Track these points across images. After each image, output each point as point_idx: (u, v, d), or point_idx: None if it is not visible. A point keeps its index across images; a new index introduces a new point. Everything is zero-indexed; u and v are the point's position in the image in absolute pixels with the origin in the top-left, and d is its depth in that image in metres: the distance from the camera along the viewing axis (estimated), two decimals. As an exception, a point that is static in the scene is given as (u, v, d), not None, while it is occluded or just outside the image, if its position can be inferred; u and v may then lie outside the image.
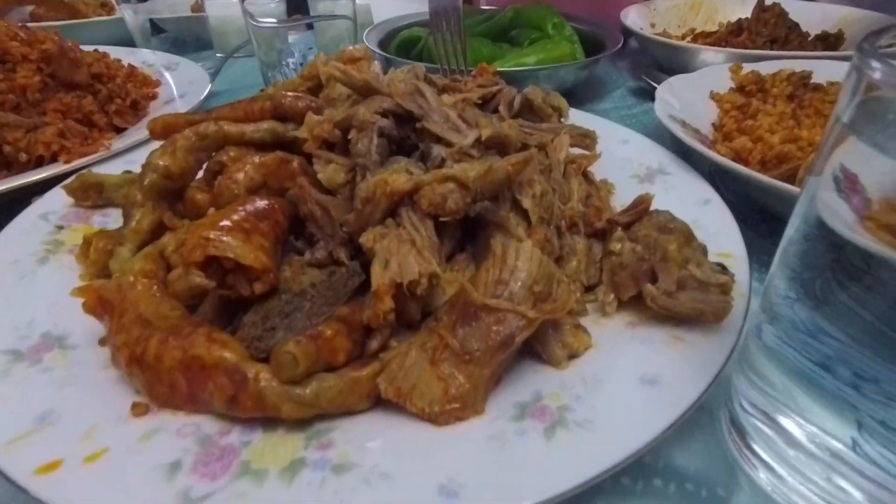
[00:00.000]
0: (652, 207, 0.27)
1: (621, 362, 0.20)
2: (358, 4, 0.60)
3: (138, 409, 0.18)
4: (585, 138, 0.35)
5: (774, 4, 0.63)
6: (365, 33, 0.55)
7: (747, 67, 0.48)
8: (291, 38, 0.51)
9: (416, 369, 0.18)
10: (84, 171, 0.30)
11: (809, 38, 0.61)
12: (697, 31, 0.70)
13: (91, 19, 0.62)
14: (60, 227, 0.28)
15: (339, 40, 0.50)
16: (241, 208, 0.22)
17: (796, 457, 0.17)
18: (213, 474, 0.16)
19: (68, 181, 0.30)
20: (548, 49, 0.51)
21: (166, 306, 0.20)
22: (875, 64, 0.13)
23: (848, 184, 0.14)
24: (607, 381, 0.19)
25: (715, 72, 0.49)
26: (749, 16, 0.64)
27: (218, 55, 0.62)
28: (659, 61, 0.60)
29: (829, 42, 0.61)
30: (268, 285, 0.21)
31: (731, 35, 0.62)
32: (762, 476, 0.19)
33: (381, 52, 0.51)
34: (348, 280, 0.21)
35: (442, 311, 0.20)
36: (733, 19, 0.67)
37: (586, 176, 0.31)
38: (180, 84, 0.49)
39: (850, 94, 0.14)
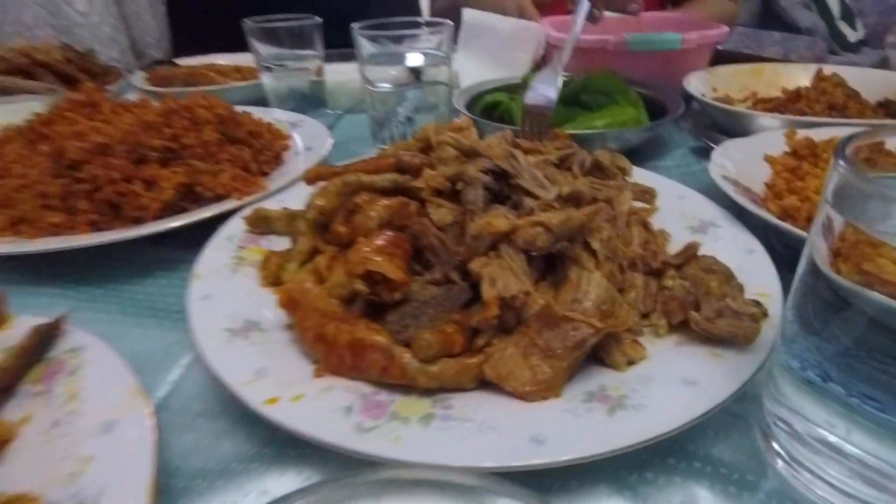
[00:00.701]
0: (701, 253, 0.33)
1: (669, 368, 0.26)
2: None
3: (318, 373, 0.26)
4: (646, 194, 0.42)
5: (833, 74, 0.67)
6: (455, 97, 0.65)
7: (803, 133, 0.53)
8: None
9: (511, 360, 0.25)
10: (257, 206, 0.40)
11: (869, 106, 0.65)
12: (759, 95, 0.75)
13: (234, 84, 0.77)
14: (241, 247, 0.38)
15: (437, 102, 0.60)
16: (383, 238, 0.31)
17: (802, 450, 0.22)
18: (374, 416, 0.24)
19: (246, 213, 0.40)
20: (615, 114, 0.59)
21: (333, 304, 0.29)
22: (843, 165, 0.19)
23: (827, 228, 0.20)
24: (657, 380, 0.25)
25: (770, 136, 0.54)
26: (809, 83, 0.69)
27: (330, 112, 0.75)
28: (719, 123, 0.66)
29: (890, 109, 0.64)
30: (403, 294, 0.29)
31: (790, 101, 0.67)
32: (780, 465, 0.24)
33: (470, 115, 0.60)
34: (460, 294, 0.29)
35: (531, 319, 0.27)
36: (795, 85, 0.72)
37: (646, 225, 0.37)
38: (306, 138, 0.60)
39: (831, 181, 0.20)
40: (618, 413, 0.23)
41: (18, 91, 0.66)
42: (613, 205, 0.37)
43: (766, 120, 0.59)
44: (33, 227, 0.40)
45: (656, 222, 0.40)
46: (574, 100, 0.65)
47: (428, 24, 0.57)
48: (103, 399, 0.25)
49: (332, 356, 0.26)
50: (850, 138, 0.20)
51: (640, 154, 0.60)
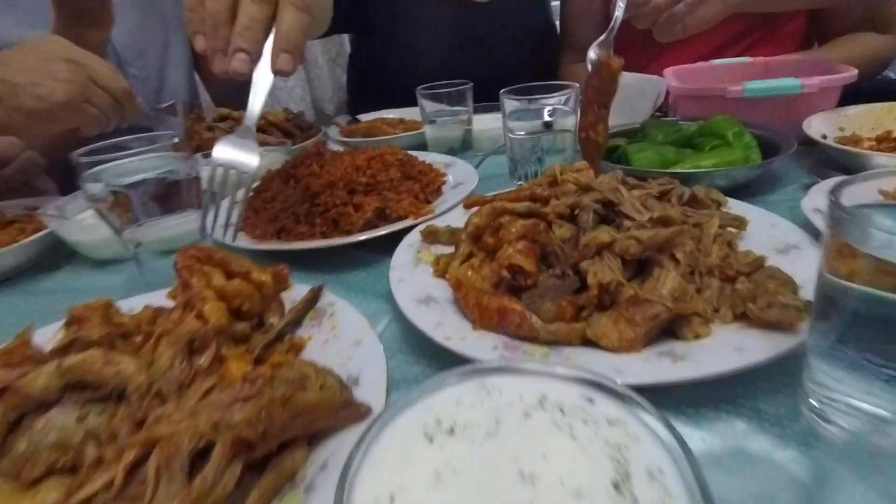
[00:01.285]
0: (781, 271, 0.41)
1: (725, 342, 0.36)
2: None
3: (475, 327, 0.41)
4: (737, 221, 0.50)
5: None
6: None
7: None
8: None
9: (606, 325, 0.37)
10: (428, 224, 0.58)
11: None
12: (894, 133, 0.76)
13: (403, 135, 0.99)
14: (418, 252, 0.55)
15: (564, 146, 0.73)
16: (521, 244, 0.45)
17: (828, 407, 0.31)
18: (510, 351, 0.37)
19: (421, 228, 0.57)
20: (723, 154, 0.66)
21: (486, 286, 0.43)
22: (837, 211, 0.28)
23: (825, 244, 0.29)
24: (714, 348, 0.35)
25: (885, 174, 0.58)
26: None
27: (476, 154, 0.92)
28: (839, 161, 0.69)
29: None
30: (533, 281, 0.42)
31: (917, 140, 0.68)
32: (808, 414, 0.32)
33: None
34: (572, 284, 0.42)
35: (621, 301, 0.38)
36: (933, 122, 0.72)
37: (730, 244, 0.46)
38: (457, 175, 0.77)
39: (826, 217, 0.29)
40: (678, 363, 0.34)
41: (263, 143, 0.95)
42: (702, 228, 0.47)
43: (883, 158, 0.62)
44: (289, 234, 0.62)
45: (745, 244, 0.48)
46: (688, 143, 0.74)
47: (559, 87, 0.72)
48: (350, 329, 0.42)
49: (484, 317, 0.41)
50: (844, 182, 0.29)
51: (749, 189, 0.67)
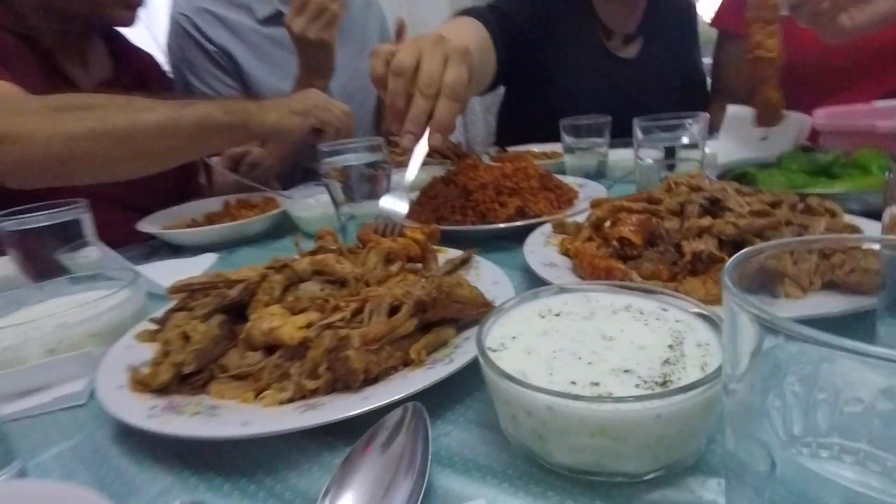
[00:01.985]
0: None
1: (812, 299, 0.42)
2: (707, 153, 0.91)
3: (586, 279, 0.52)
4: (849, 228, 0.54)
5: None
6: (708, 170, 0.84)
7: None
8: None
9: (695, 284, 0.46)
10: (560, 218, 0.70)
11: None
12: None
13: (547, 162, 1.14)
14: (548, 237, 0.67)
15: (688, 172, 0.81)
16: (632, 223, 0.55)
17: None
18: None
19: (552, 220, 0.70)
20: (857, 180, 0.69)
21: (600, 252, 0.54)
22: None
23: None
24: (803, 301, 0.42)
25: None
26: None
27: (608, 180, 1.03)
28: None
29: None
30: (638, 254, 0.52)
31: None
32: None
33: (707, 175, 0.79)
34: (671, 256, 0.51)
35: (711, 269, 0.47)
36: None
37: (834, 243, 0.51)
38: (588, 194, 0.89)
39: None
40: (754, 311, 0.42)
41: (427, 162, 1.17)
42: (809, 228, 0.52)
43: None
44: (446, 222, 0.79)
45: (854, 249, 0.52)
46: (823, 172, 0.76)
47: (689, 117, 0.80)
48: (489, 275, 0.56)
49: (594, 273, 0.52)
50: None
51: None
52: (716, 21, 1.49)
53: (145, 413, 0.38)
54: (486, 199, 0.79)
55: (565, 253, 0.61)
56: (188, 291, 0.50)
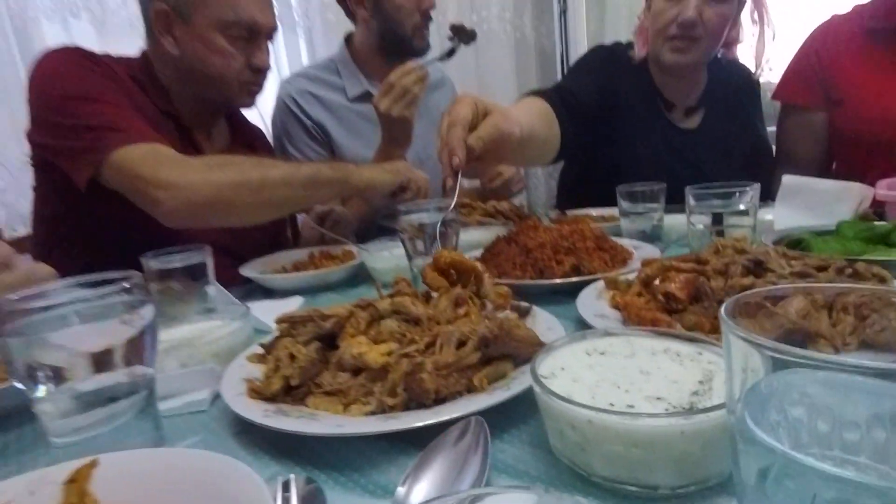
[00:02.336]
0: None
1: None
2: (765, 220, 0.94)
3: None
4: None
5: None
6: (763, 236, 0.87)
7: None
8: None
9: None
10: (613, 275, 0.76)
11: None
12: None
13: (604, 225, 1.20)
14: (600, 293, 0.73)
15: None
16: (679, 281, 0.60)
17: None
18: (657, 343, 0.53)
19: (605, 277, 0.76)
20: (915, 249, 0.70)
21: (646, 308, 0.60)
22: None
23: None
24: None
25: None
26: None
27: (662, 243, 1.07)
28: None
29: None
30: (683, 307, 0.57)
31: None
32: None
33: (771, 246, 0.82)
34: (715, 310, 0.56)
35: (752, 322, 0.51)
36: None
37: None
38: (644, 255, 0.94)
39: None
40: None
41: (492, 223, 1.27)
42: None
43: None
44: (507, 277, 0.87)
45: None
46: (881, 241, 0.78)
47: (741, 186, 0.85)
48: (544, 322, 0.63)
49: (641, 323, 0.57)
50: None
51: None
52: (777, 94, 1.54)
53: (261, 414, 0.47)
54: (544, 256, 0.86)
55: (615, 306, 0.67)
56: (291, 322, 0.61)
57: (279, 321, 0.61)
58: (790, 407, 0.28)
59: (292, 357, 0.53)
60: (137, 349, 0.43)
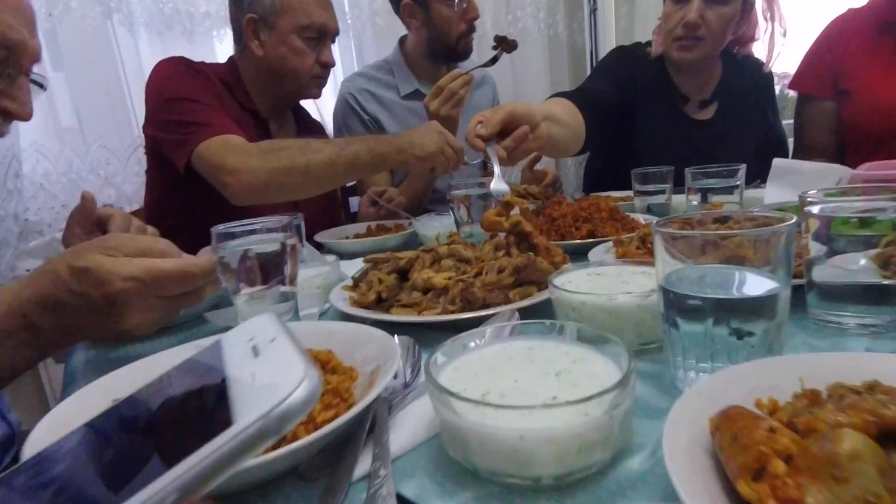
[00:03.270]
0: None
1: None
2: (757, 197, 1.11)
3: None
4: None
5: None
6: (754, 210, 1.05)
7: None
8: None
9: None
10: (620, 238, 0.96)
11: None
12: None
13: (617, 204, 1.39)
14: (608, 249, 0.93)
15: (732, 209, 1.02)
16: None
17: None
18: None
19: (613, 239, 0.96)
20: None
21: (640, 252, 0.80)
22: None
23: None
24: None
25: None
26: None
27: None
28: None
29: None
30: (666, 253, 0.77)
31: None
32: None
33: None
34: (689, 255, 0.75)
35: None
36: None
37: None
38: (651, 225, 1.12)
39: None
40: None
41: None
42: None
43: None
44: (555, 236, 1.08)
45: None
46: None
47: (729, 167, 1.03)
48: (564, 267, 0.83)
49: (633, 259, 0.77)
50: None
51: None
52: (794, 84, 1.67)
53: (364, 313, 0.70)
54: (565, 224, 1.07)
55: (618, 257, 0.86)
56: (374, 262, 0.83)
57: (367, 260, 0.84)
58: (685, 279, 0.47)
59: (380, 281, 0.75)
60: (289, 265, 0.67)
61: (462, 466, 0.38)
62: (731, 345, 0.44)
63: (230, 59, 1.47)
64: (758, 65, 1.67)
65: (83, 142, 1.77)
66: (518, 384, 0.40)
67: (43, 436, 0.43)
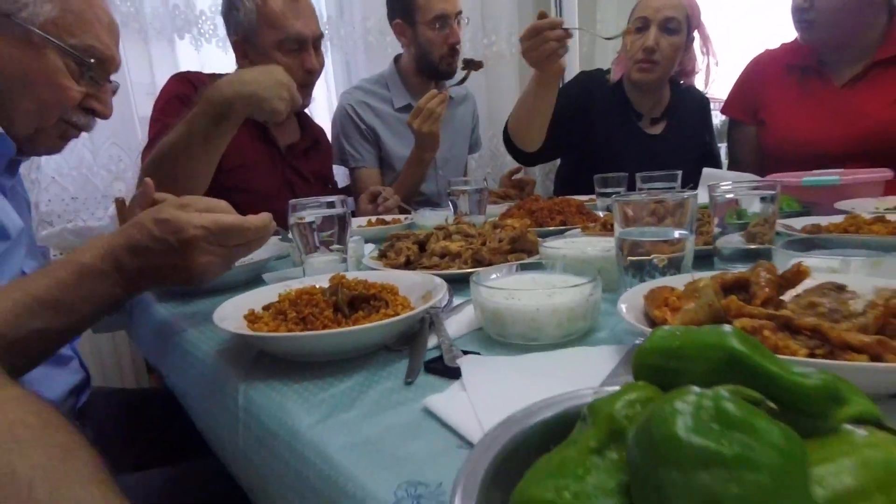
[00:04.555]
0: None
1: None
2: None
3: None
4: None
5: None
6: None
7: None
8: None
9: (644, 241, 0.96)
10: (586, 225, 1.21)
11: None
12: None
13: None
14: (575, 237, 1.18)
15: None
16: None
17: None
18: (604, 246, 0.98)
19: (581, 226, 1.21)
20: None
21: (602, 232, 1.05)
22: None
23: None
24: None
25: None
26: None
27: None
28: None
29: None
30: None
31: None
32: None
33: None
34: (638, 232, 1.01)
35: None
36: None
37: None
38: (609, 218, 1.39)
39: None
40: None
41: (502, 203, 1.72)
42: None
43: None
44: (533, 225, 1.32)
45: None
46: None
47: (671, 174, 1.31)
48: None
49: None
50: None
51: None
52: (724, 110, 2.01)
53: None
54: (542, 215, 1.31)
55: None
56: (396, 237, 1.05)
57: (389, 237, 1.06)
58: (633, 233, 0.72)
59: (407, 248, 0.97)
60: (347, 230, 0.88)
61: (496, 341, 0.61)
62: (658, 269, 0.69)
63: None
64: (698, 93, 2.01)
65: (91, 141, 1.90)
66: (532, 286, 0.63)
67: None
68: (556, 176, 2.27)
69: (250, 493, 0.54)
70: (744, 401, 0.20)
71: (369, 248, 1.14)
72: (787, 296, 0.53)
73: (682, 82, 2.00)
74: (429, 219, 1.45)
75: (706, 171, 1.43)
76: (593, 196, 1.69)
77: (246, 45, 1.51)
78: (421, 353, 0.58)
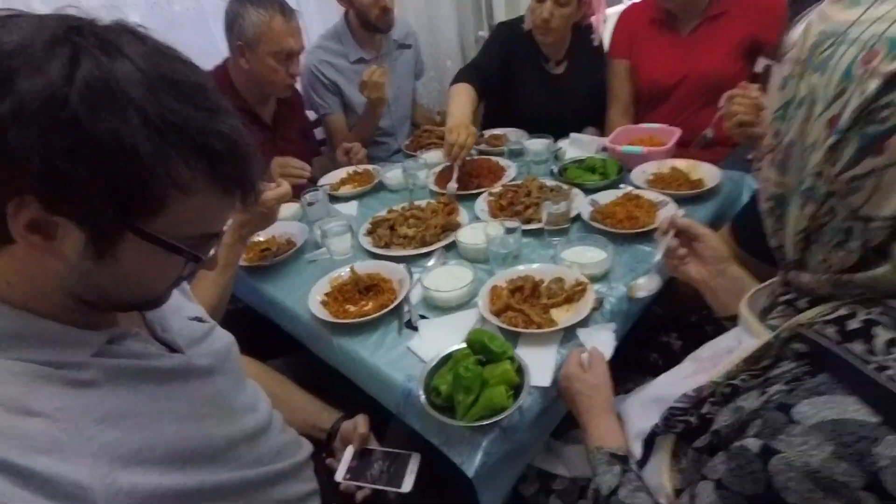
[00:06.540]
0: None
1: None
2: (562, 150, 2.09)
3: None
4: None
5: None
6: (555, 162, 2.03)
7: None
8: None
9: (517, 219, 1.71)
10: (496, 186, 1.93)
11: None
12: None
13: (498, 148, 2.31)
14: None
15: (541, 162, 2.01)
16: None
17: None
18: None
19: (493, 187, 1.92)
20: (598, 175, 1.88)
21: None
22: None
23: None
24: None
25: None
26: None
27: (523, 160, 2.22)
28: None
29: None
30: (507, 209, 1.77)
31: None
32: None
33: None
34: (515, 210, 1.75)
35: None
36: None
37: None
38: (511, 174, 2.10)
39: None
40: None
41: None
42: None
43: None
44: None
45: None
46: (594, 170, 1.94)
47: (545, 136, 1.98)
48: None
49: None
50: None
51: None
52: (609, 52, 2.51)
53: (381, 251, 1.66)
54: (465, 181, 1.99)
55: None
56: (376, 224, 1.76)
57: (372, 222, 1.77)
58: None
59: (384, 232, 1.70)
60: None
61: (436, 308, 1.42)
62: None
63: (225, 60, 2.06)
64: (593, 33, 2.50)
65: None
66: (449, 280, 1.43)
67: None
68: (482, 117, 2.78)
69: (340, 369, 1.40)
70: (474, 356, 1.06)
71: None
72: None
73: (584, 25, 2.47)
74: (392, 180, 2.11)
75: (574, 135, 2.10)
76: (505, 130, 2.33)
77: (246, 48, 1.88)
78: (403, 318, 1.38)
